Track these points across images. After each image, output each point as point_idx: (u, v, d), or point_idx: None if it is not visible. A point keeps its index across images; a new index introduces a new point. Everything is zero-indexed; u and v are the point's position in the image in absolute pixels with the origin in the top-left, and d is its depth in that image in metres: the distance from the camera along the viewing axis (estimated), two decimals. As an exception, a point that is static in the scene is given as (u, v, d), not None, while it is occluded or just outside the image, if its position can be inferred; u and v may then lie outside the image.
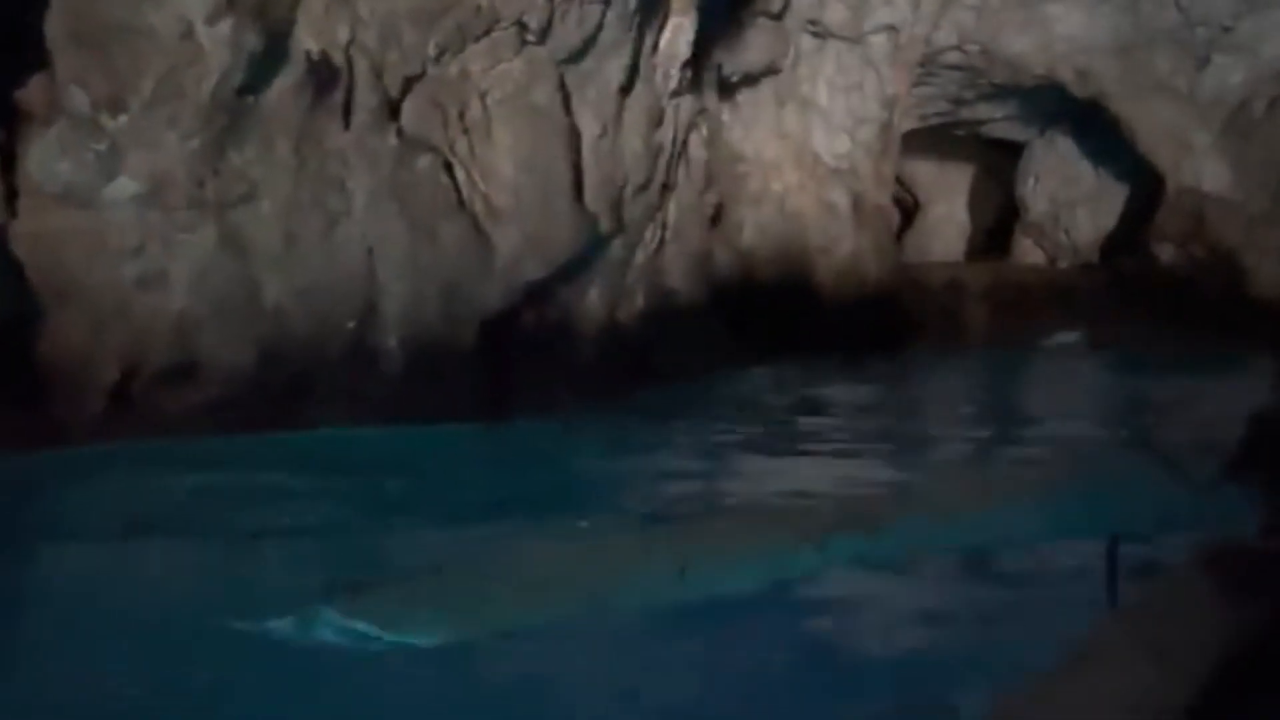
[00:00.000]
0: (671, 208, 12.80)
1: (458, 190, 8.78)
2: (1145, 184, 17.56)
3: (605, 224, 10.31)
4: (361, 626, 4.54)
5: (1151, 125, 16.97)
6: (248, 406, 8.12)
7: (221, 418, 8.03)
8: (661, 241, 12.70)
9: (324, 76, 7.93)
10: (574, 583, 5.11)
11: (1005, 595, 5.56)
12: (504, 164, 8.91)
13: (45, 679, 4.54)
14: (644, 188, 11.10)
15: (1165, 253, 16.92)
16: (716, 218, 14.76)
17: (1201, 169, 16.99)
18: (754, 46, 15.06)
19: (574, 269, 10.42)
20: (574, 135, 9.60)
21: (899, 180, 20.47)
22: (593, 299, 11.22)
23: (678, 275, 13.18)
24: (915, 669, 4.60)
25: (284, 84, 7.81)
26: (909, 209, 22.04)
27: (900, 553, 5.77)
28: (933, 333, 17.03)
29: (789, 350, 13.97)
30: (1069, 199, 19.22)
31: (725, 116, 15.34)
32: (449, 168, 8.73)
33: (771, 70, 15.45)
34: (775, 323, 14.71)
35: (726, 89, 15.10)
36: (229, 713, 4.20)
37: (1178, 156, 16.96)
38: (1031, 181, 19.63)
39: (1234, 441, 6.28)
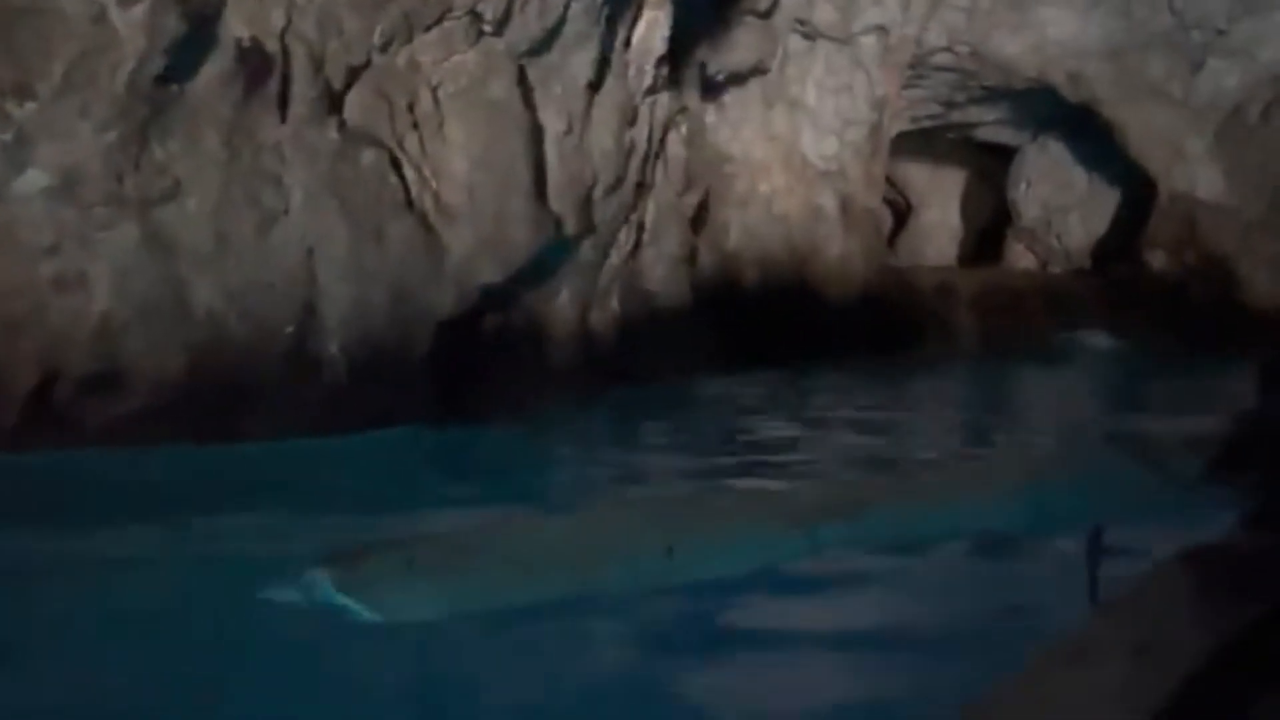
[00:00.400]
0: (649, 209, 12.03)
1: (406, 188, 7.99)
2: (1138, 190, 16.78)
3: (571, 225, 9.52)
4: (353, 601, 4.34)
5: (1144, 130, 16.19)
6: (178, 417, 7.35)
7: (149, 429, 7.25)
8: (638, 243, 11.93)
9: (256, 65, 7.15)
10: (565, 560, 4.89)
11: (987, 585, 5.27)
12: (457, 161, 8.12)
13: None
14: (616, 187, 10.30)
15: (1157, 259, 16.17)
16: (701, 220, 14.01)
17: (1195, 175, 16.24)
18: (741, 46, 14.30)
19: (539, 271, 9.64)
20: (535, 132, 8.81)
21: (891, 183, 19.78)
22: (562, 302, 10.45)
23: (656, 278, 12.41)
24: (892, 656, 4.36)
25: (212, 73, 7.03)
26: (902, 212, 21.30)
27: (887, 540, 5.52)
28: (922, 337, 16.30)
29: (775, 355, 13.25)
30: (1061, 204, 18.45)
31: (711, 117, 14.58)
32: (396, 164, 7.94)
33: (759, 70, 14.68)
34: (761, 327, 13.98)
35: (712, 88, 14.33)
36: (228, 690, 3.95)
37: (1171, 162, 16.20)
38: (1023, 186, 18.86)
39: (1217, 439, 6.37)
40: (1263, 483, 4.77)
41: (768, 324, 14.13)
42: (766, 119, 15.25)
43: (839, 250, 15.73)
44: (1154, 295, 15.83)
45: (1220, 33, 15.86)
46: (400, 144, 7.91)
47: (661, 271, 12.48)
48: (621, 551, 5.00)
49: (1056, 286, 17.82)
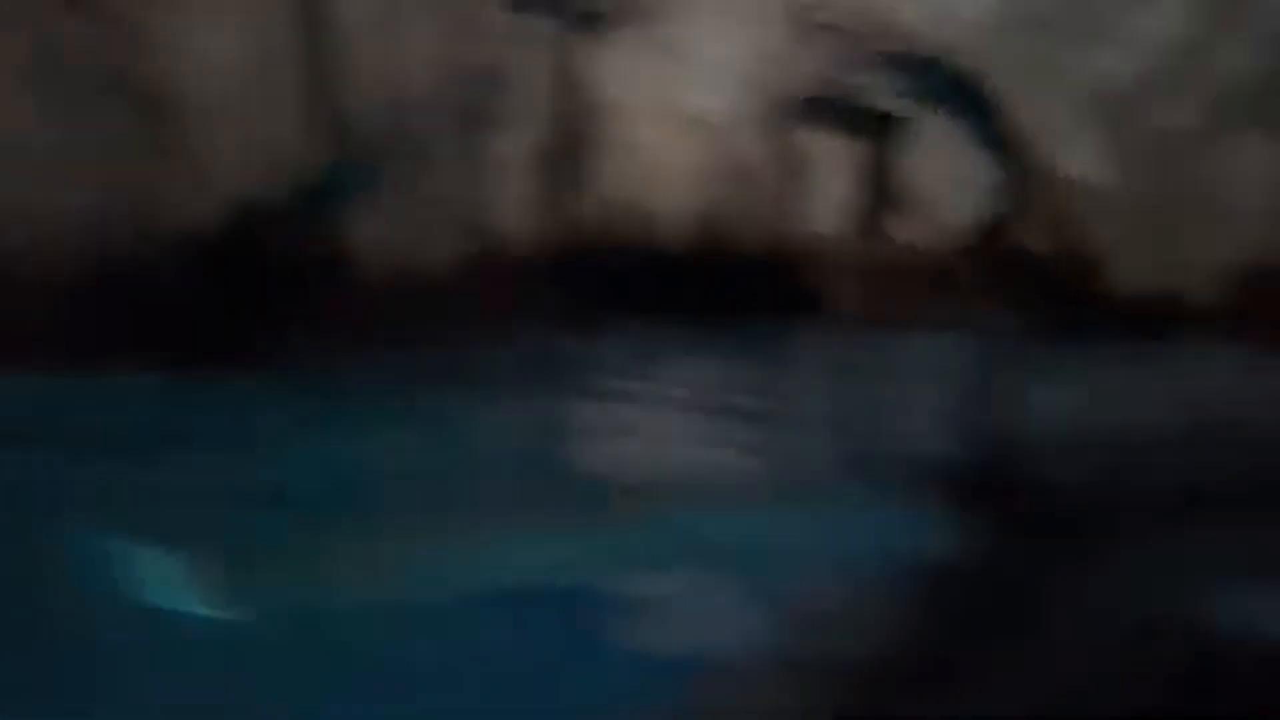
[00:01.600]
0: (496, 144, 10.06)
1: (127, 70, 5.89)
2: (1023, 169, 15.34)
3: (376, 140, 7.52)
4: (196, 597, 4.23)
5: (1031, 109, 14.75)
6: None
7: None
8: (482, 178, 9.96)
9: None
10: (405, 560, 4.80)
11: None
12: (201, 43, 6.07)
13: None
14: (439, 106, 8.32)
15: (1032, 241, 14.82)
16: (569, 166, 12.09)
17: (1077, 157, 14.88)
18: (619, -21, 12.34)
19: (338, 193, 7.64)
20: (318, 19, 6.76)
21: (785, 149, 18.06)
22: (373, 236, 8.45)
23: (504, 220, 10.48)
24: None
25: None
26: (795, 178, 19.73)
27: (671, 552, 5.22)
28: (798, 307, 14.63)
29: (636, 316, 11.45)
30: (948, 180, 16.97)
31: (585, 57, 12.62)
32: (113, 38, 5.84)
33: (639, 10, 12.72)
34: (627, 285, 12.12)
35: (588, 24, 12.36)
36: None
37: (1054, 143, 14.81)
38: (914, 159, 17.34)
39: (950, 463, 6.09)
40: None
41: (634, 283, 12.30)
42: (647, 65, 13.34)
43: (718, 210, 14.01)
44: (1025, 276, 14.45)
45: (1111, 16, 14.47)
46: (119, 14, 5.81)
47: (511, 214, 10.56)
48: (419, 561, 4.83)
49: (937, 262, 16.36)
